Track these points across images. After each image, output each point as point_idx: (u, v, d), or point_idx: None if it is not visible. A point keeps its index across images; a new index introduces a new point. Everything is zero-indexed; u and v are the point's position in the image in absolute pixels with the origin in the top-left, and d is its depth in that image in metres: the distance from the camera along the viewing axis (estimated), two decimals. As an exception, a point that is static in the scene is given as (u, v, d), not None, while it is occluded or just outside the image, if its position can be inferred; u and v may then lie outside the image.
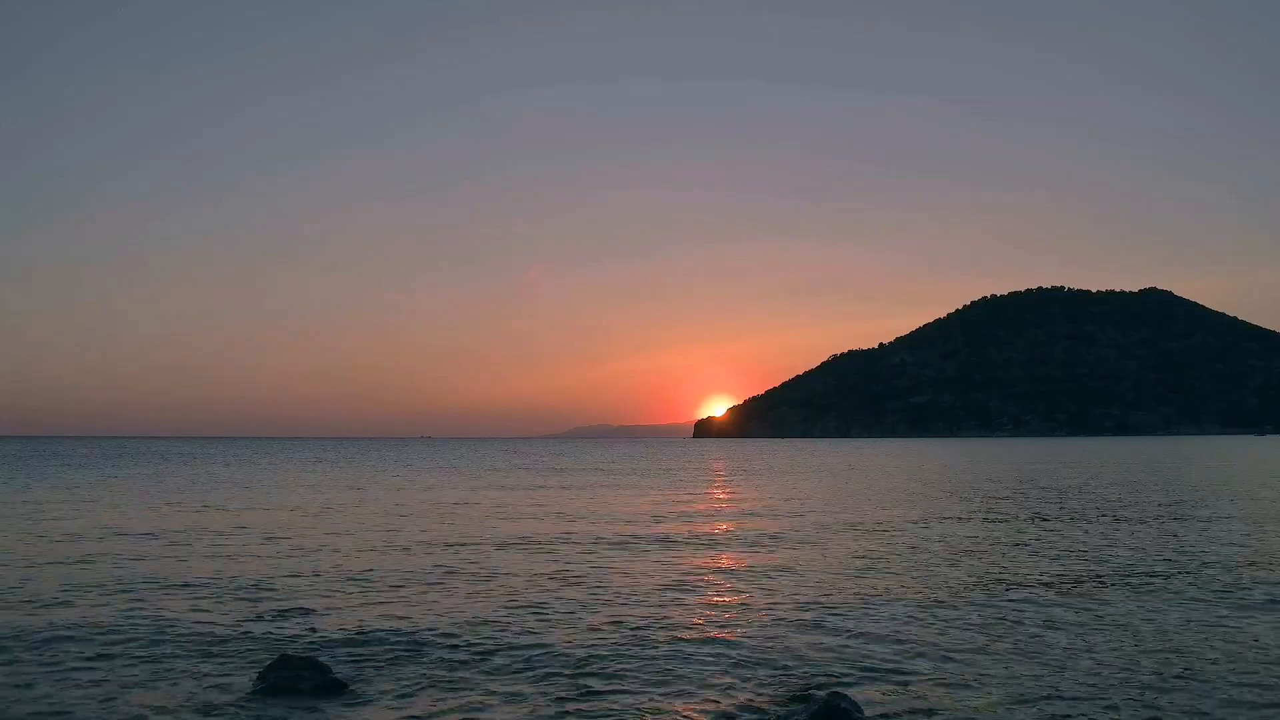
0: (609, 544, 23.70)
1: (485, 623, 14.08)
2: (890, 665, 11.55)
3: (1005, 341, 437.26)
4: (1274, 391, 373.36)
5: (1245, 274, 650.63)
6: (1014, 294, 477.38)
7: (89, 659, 11.91)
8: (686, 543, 24.19)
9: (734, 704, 10.07)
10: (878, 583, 17.57)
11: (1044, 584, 17.43)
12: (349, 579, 18.18)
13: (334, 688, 10.62)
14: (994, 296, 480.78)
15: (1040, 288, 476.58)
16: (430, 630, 13.51)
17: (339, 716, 9.83)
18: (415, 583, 17.72)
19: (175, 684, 10.81)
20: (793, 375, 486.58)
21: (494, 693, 10.52)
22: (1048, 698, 10.30)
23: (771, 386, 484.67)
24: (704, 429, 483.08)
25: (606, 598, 16.11)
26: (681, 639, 13.00)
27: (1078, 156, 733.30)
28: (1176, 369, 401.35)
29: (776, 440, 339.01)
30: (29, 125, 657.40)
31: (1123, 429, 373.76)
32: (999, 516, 31.10)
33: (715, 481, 57.62)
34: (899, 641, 12.77)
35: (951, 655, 12.03)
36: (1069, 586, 17.13)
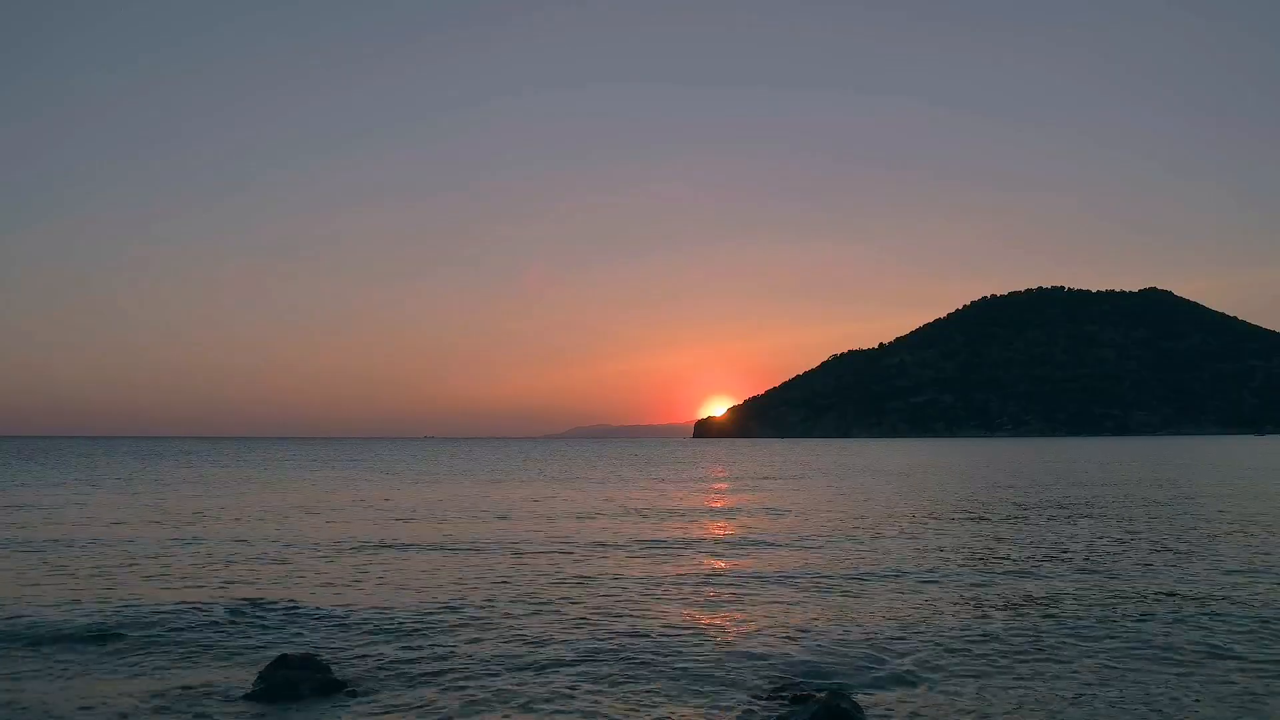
0: (608, 545, 23.70)
1: (484, 623, 14.08)
2: (890, 666, 11.55)
3: (1005, 341, 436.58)
4: (1274, 391, 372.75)
5: (1245, 274, 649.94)
6: (1014, 294, 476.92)
7: (88, 661, 11.91)
8: (686, 545, 24.18)
9: (734, 704, 10.07)
10: (878, 584, 17.57)
11: (1048, 586, 17.42)
12: (349, 579, 18.19)
13: (334, 687, 10.63)
14: (994, 296, 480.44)
15: (1040, 288, 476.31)
16: (430, 630, 13.52)
17: (339, 716, 9.83)
18: (415, 583, 17.73)
19: (175, 685, 10.81)
20: (793, 375, 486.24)
21: (493, 692, 10.52)
22: (1048, 699, 10.30)
23: (771, 386, 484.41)
24: (704, 429, 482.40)
25: (605, 598, 16.11)
26: (681, 640, 12.99)
27: (1078, 157, 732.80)
28: (1176, 369, 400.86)
29: (776, 441, 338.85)
30: (34, 125, 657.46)
31: (1123, 429, 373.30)
32: (1002, 518, 31.10)
33: (715, 483, 57.64)
34: (899, 642, 12.77)
35: (952, 656, 12.02)
36: (1073, 588, 17.13)
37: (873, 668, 11.44)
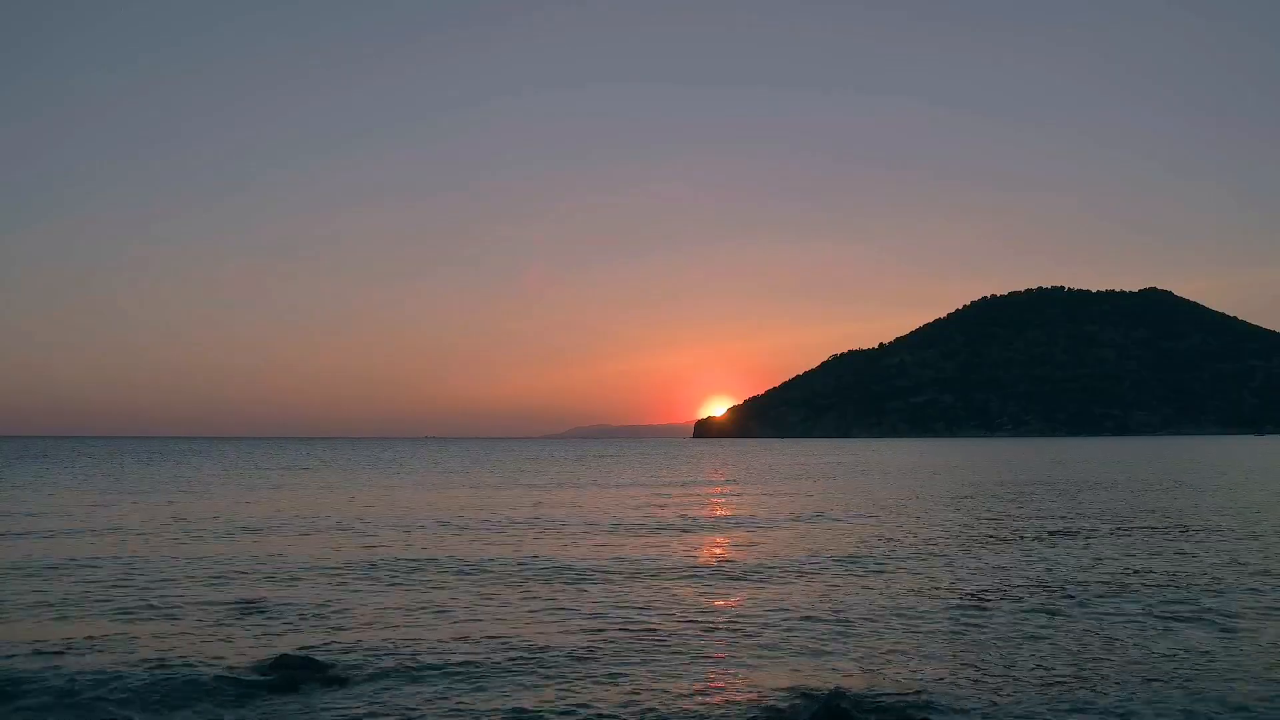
0: (608, 547, 23.72)
1: (484, 622, 14.09)
2: (890, 667, 11.57)
3: (1005, 341, 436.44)
4: (1274, 391, 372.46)
5: (1245, 274, 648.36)
6: (1014, 294, 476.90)
7: (90, 660, 11.92)
8: (687, 546, 24.21)
9: (735, 704, 10.08)
10: (879, 585, 17.60)
11: (1047, 589, 17.45)
12: (348, 582, 18.20)
13: (333, 686, 10.64)
14: (994, 296, 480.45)
15: (1040, 288, 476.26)
16: (429, 629, 13.53)
17: (338, 714, 9.84)
18: (414, 583, 17.75)
19: (176, 684, 10.82)
20: (793, 375, 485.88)
21: (493, 690, 10.53)
22: (1047, 701, 10.32)
23: (771, 386, 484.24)
24: (704, 429, 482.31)
25: (605, 599, 16.12)
26: (682, 640, 13.00)
27: (1078, 157, 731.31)
28: (1176, 369, 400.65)
29: (776, 441, 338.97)
30: (34, 125, 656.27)
31: (1123, 429, 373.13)
32: (1004, 521, 31.13)
33: (718, 486, 57.70)
34: (900, 643, 12.79)
35: (951, 657, 12.04)
36: (1073, 592, 17.15)
37: (873, 668, 11.45)
